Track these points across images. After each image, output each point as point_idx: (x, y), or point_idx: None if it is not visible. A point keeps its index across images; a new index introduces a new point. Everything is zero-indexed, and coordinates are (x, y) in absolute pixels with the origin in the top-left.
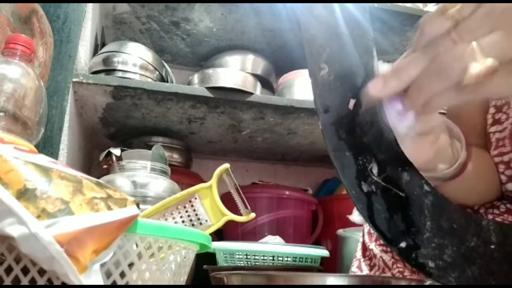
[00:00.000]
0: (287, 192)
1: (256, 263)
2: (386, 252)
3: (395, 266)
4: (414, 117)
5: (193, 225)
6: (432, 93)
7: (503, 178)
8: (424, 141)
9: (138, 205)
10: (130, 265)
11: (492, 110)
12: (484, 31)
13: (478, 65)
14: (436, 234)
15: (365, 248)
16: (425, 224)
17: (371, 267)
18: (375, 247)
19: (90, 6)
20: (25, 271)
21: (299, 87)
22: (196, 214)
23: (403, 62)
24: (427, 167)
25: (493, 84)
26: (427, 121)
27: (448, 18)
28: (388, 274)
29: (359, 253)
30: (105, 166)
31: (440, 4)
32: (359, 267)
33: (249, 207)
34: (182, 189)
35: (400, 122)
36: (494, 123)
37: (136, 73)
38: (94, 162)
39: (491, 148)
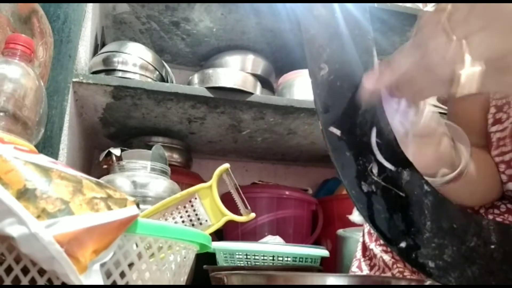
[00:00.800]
0: (287, 192)
1: (256, 263)
2: (386, 252)
3: (395, 266)
4: (407, 108)
5: (193, 225)
6: (420, 86)
7: (504, 177)
8: (426, 144)
9: (138, 205)
10: (130, 265)
11: (492, 109)
12: (476, 26)
13: (466, 71)
14: (436, 234)
15: (365, 248)
16: (425, 224)
17: (371, 267)
18: (375, 247)
19: (90, 6)
20: (25, 271)
21: (299, 87)
22: (196, 214)
23: (397, 54)
24: (429, 172)
25: (482, 81)
26: (427, 123)
27: (443, 12)
28: (388, 274)
29: (359, 253)
30: (105, 166)
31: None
32: (359, 267)
33: (249, 207)
34: (182, 189)
35: (397, 118)
36: (495, 122)
37: (136, 73)
38: (94, 162)
39: (492, 148)
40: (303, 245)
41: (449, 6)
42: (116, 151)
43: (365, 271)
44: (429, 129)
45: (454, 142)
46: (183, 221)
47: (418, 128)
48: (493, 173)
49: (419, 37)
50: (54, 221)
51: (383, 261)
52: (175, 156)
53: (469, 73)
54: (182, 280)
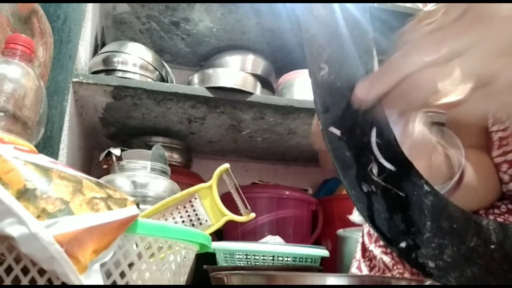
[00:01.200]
0: (287, 192)
1: (256, 263)
2: (386, 253)
3: (395, 267)
4: (397, 120)
5: (193, 225)
6: (405, 106)
7: (506, 177)
8: (416, 161)
9: (138, 205)
10: (130, 265)
11: None
12: (465, 41)
13: (447, 98)
14: (436, 234)
15: (364, 249)
16: (425, 224)
17: (371, 268)
18: (375, 248)
19: (90, 6)
20: (25, 271)
21: (299, 87)
22: (196, 214)
23: (381, 71)
24: None
25: (465, 107)
26: (415, 140)
27: (427, 24)
28: (388, 275)
29: (358, 254)
30: (105, 166)
31: (422, 12)
32: (358, 268)
33: (249, 207)
34: (182, 189)
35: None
36: (495, 122)
37: (136, 73)
38: (94, 162)
39: (494, 147)
40: (303, 245)
41: (438, 17)
42: (116, 151)
43: (365, 272)
44: (418, 145)
45: (448, 150)
46: (183, 221)
47: (407, 143)
48: (492, 176)
49: (404, 51)
50: (54, 221)
51: (383, 262)
52: (175, 156)
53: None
54: (182, 280)
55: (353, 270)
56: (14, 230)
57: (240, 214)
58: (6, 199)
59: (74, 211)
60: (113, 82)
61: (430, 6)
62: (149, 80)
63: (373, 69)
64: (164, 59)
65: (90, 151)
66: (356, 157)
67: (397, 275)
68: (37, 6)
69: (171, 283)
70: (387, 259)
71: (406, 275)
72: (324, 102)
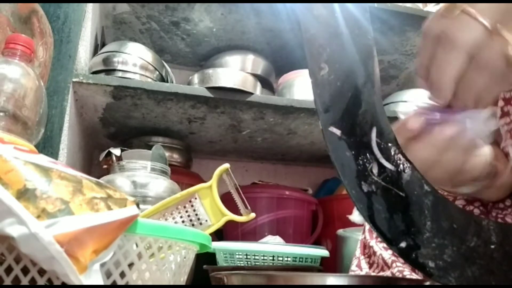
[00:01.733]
0: (287, 192)
1: (256, 263)
2: (386, 249)
3: (394, 265)
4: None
5: (193, 225)
6: (477, 89)
7: None
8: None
9: (138, 205)
10: (130, 265)
11: (501, 103)
12: None
13: None
14: (436, 234)
15: (364, 245)
16: (425, 224)
17: (370, 265)
18: (375, 244)
19: (90, 6)
20: (25, 271)
21: (299, 87)
22: (196, 214)
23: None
24: (487, 171)
25: None
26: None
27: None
28: (388, 272)
29: (358, 251)
30: (105, 166)
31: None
32: (358, 266)
33: (249, 207)
34: (182, 189)
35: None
36: (503, 115)
37: (136, 73)
38: (94, 162)
39: (502, 141)
40: (303, 245)
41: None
42: (116, 151)
43: (365, 269)
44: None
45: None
46: (183, 221)
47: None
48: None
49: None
50: (54, 221)
51: (383, 259)
52: (175, 156)
53: None
54: (182, 280)
55: (353, 267)
56: (14, 230)
57: (240, 214)
58: (6, 199)
59: (74, 211)
60: (113, 82)
61: (431, 6)
62: (149, 80)
63: (373, 69)
64: (164, 59)
65: (90, 151)
66: (356, 157)
67: (397, 273)
68: (37, 6)
69: (171, 283)
70: (386, 255)
71: (406, 272)
72: (324, 102)
